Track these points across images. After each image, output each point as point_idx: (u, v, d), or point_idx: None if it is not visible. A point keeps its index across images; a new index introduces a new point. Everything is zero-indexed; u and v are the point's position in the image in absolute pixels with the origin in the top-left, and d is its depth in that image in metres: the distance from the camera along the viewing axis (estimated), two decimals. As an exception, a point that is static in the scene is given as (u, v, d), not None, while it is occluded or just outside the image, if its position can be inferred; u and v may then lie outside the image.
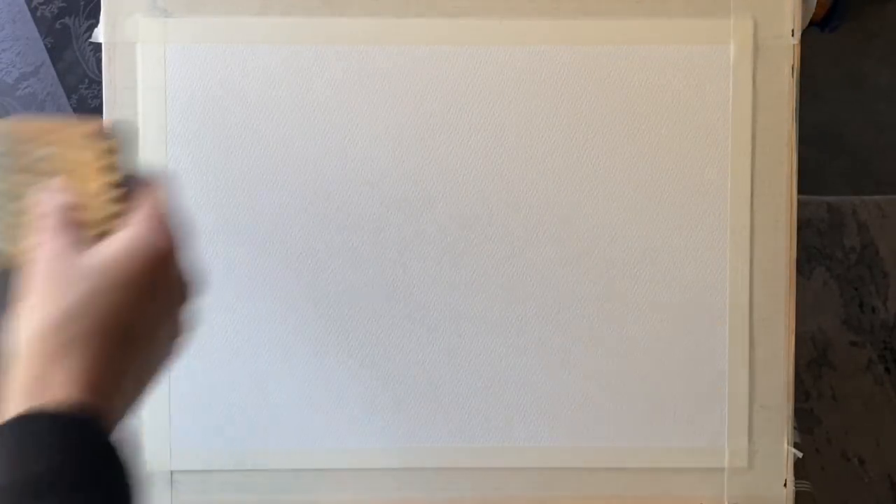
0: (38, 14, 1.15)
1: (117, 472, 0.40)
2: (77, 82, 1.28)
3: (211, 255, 0.64)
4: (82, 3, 1.22)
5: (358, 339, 0.65)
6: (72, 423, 0.40)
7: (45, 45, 1.18)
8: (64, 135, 0.46)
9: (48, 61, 1.20)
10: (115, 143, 0.46)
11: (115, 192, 0.46)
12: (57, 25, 1.20)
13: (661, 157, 0.64)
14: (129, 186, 0.47)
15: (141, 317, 0.44)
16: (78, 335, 0.42)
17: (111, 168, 0.46)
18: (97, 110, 0.98)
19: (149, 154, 0.63)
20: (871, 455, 1.45)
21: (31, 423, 0.39)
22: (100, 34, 0.63)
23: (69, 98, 1.26)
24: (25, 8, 1.12)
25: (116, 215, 0.46)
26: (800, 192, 0.64)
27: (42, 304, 0.42)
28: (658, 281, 0.64)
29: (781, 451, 0.65)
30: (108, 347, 0.42)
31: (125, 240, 0.44)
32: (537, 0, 0.63)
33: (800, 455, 0.66)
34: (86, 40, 1.26)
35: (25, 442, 0.38)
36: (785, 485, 0.65)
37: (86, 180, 0.46)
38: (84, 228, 0.45)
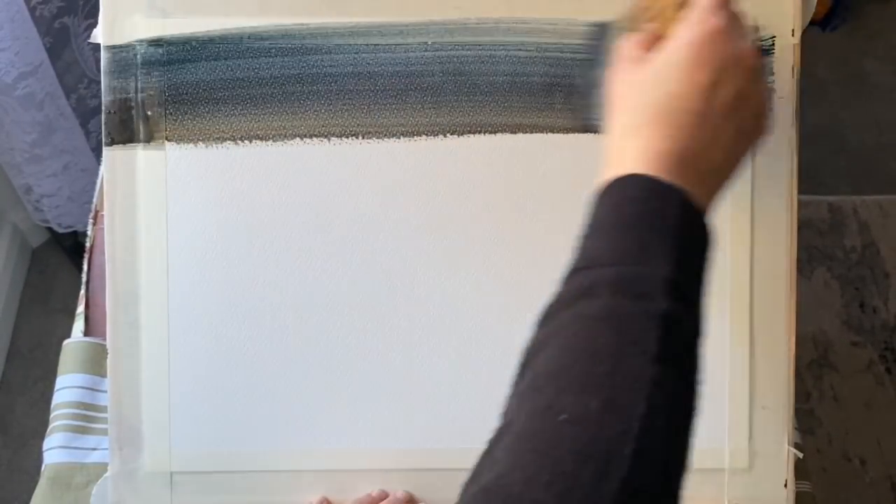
0: (37, 14, 1.15)
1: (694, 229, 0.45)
2: (76, 82, 1.28)
3: (210, 262, 0.64)
4: (81, 2, 1.22)
5: (359, 341, 0.64)
6: (648, 182, 0.45)
7: (44, 45, 1.18)
8: None
9: (47, 61, 1.20)
10: None
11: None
12: (56, 25, 1.20)
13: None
14: None
15: (699, 96, 0.47)
16: (643, 121, 0.48)
17: None
18: (96, 110, 0.98)
19: (146, 151, 0.63)
20: (872, 456, 1.45)
21: (618, 183, 0.46)
22: (98, 34, 0.63)
23: (68, 98, 1.26)
24: (24, 7, 1.12)
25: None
26: (800, 191, 0.64)
27: (626, 93, 0.50)
28: (658, 281, 0.64)
29: (782, 452, 0.65)
30: (668, 129, 0.47)
31: (678, 32, 0.50)
32: (536, 0, 0.63)
33: (800, 455, 0.66)
34: (85, 40, 1.25)
35: (618, 195, 0.46)
36: (786, 485, 0.65)
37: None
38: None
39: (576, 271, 0.44)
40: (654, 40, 0.52)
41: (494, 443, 0.41)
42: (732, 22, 0.49)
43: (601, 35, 0.61)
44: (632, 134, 0.48)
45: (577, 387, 0.40)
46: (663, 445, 0.39)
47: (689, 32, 0.49)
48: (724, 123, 0.48)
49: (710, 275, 0.46)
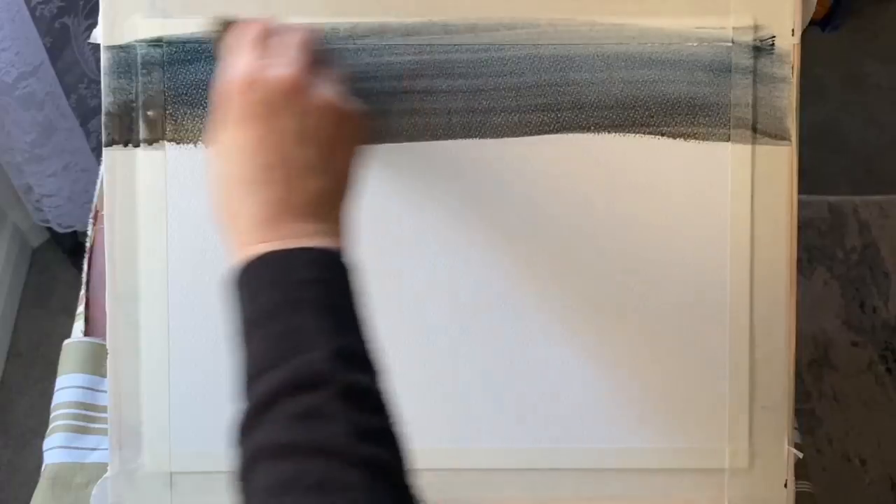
0: (38, 14, 1.15)
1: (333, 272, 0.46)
2: (76, 82, 1.28)
3: (210, 262, 0.64)
4: (81, 2, 1.22)
5: (357, 340, 0.64)
6: (253, 260, 0.46)
7: (44, 45, 1.18)
8: None
9: (47, 61, 1.20)
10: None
11: None
12: (56, 25, 1.20)
13: (661, 157, 0.63)
14: None
15: (230, 161, 0.48)
16: (217, 213, 0.48)
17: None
18: (96, 110, 0.98)
19: (146, 152, 0.63)
20: (872, 456, 1.45)
21: (240, 275, 0.46)
22: (98, 34, 0.63)
23: (68, 98, 1.26)
24: (24, 7, 1.12)
25: None
26: (800, 191, 0.64)
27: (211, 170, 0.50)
28: (658, 281, 0.64)
29: (782, 452, 0.65)
30: (251, 187, 0.47)
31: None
32: (536, 0, 0.63)
33: (800, 456, 0.66)
34: (85, 40, 1.25)
35: (247, 286, 0.46)
36: (785, 485, 0.65)
37: None
38: None
39: (252, 380, 0.44)
40: None
41: None
42: (244, 70, 0.49)
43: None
44: (220, 225, 0.48)
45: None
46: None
47: (218, 93, 0.50)
48: (274, 162, 0.47)
49: (361, 295, 0.48)
